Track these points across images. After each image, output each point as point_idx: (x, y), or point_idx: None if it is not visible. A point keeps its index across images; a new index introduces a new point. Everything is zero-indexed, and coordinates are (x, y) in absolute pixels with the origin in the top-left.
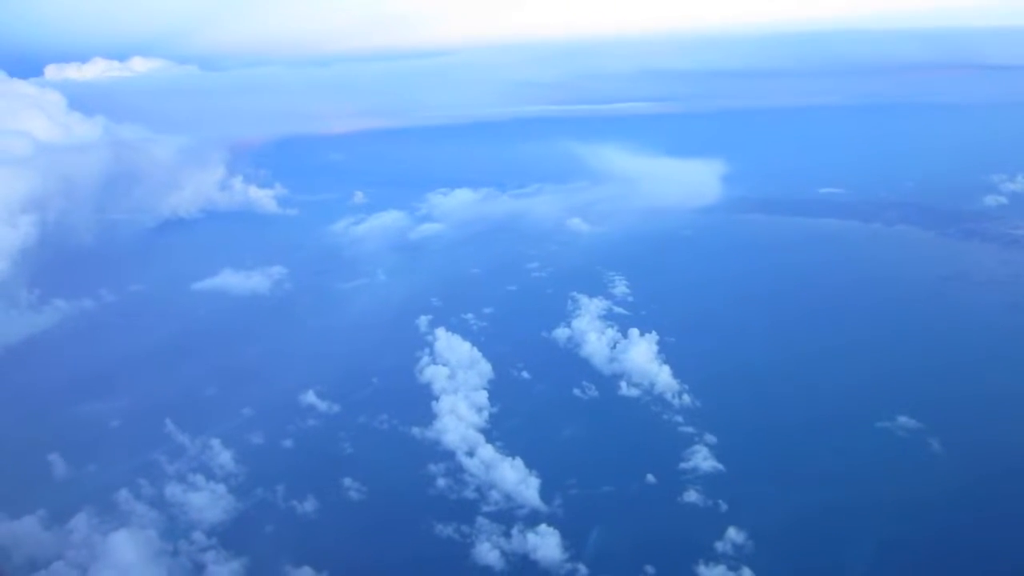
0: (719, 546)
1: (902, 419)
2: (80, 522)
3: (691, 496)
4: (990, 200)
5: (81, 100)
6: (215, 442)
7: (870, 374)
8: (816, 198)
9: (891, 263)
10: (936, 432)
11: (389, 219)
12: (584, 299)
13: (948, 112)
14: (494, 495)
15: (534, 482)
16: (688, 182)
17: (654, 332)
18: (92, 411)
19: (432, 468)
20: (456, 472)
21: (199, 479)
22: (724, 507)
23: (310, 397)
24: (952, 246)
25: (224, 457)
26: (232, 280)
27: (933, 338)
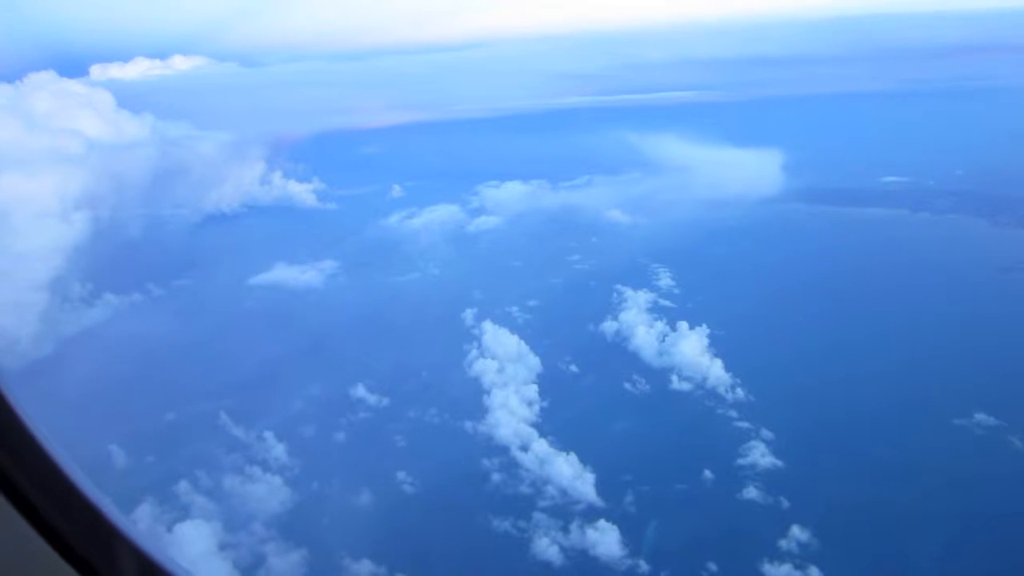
0: (783, 544)
1: (979, 416)
2: (144, 513)
3: (751, 493)
4: None
5: (127, 98)
6: (269, 435)
7: (937, 369)
8: (864, 187)
9: (945, 253)
10: (1017, 430)
11: (444, 213)
12: (629, 292)
13: (997, 96)
14: (550, 490)
15: (590, 477)
16: (732, 172)
17: (704, 325)
18: (147, 403)
19: (486, 463)
20: (510, 467)
21: (256, 471)
22: (786, 504)
23: (360, 391)
24: (1007, 235)
25: (278, 450)
26: (287, 274)
27: (998, 331)
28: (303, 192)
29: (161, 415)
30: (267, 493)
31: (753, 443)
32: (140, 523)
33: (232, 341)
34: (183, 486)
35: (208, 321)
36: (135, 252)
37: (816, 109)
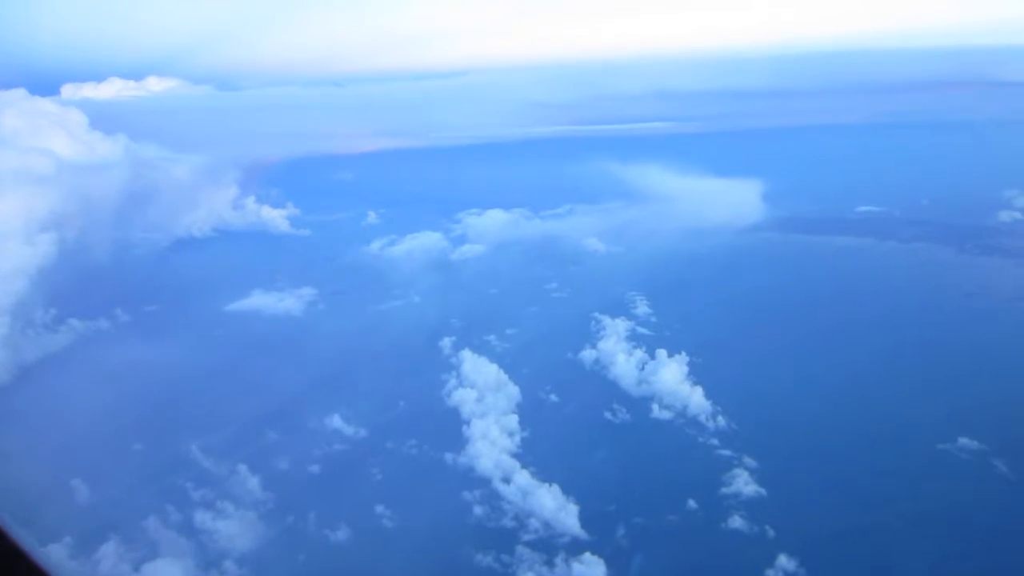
0: (770, 574)
1: (963, 440)
2: (108, 550)
3: (736, 522)
4: (1005, 216)
5: (100, 119)
6: (242, 467)
7: (913, 394)
8: (835, 217)
9: (914, 280)
10: (1001, 454)
11: (427, 240)
12: (607, 320)
13: (958, 129)
14: (533, 523)
15: (573, 509)
16: (708, 202)
17: (683, 353)
18: (112, 434)
19: (467, 495)
20: (492, 499)
21: (228, 506)
22: (772, 533)
23: (336, 421)
24: (972, 262)
25: (251, 483)
26: (264, 301)
27: (971, 356)
28: (277, 217)
29: (128, 447)
30: (240, 529)
31: (736, 471)
32: (104, 562)
33: (203, 369)
34: (151, 522)
35: (179, 348)
36: (103, 276)
37: (787, 141)
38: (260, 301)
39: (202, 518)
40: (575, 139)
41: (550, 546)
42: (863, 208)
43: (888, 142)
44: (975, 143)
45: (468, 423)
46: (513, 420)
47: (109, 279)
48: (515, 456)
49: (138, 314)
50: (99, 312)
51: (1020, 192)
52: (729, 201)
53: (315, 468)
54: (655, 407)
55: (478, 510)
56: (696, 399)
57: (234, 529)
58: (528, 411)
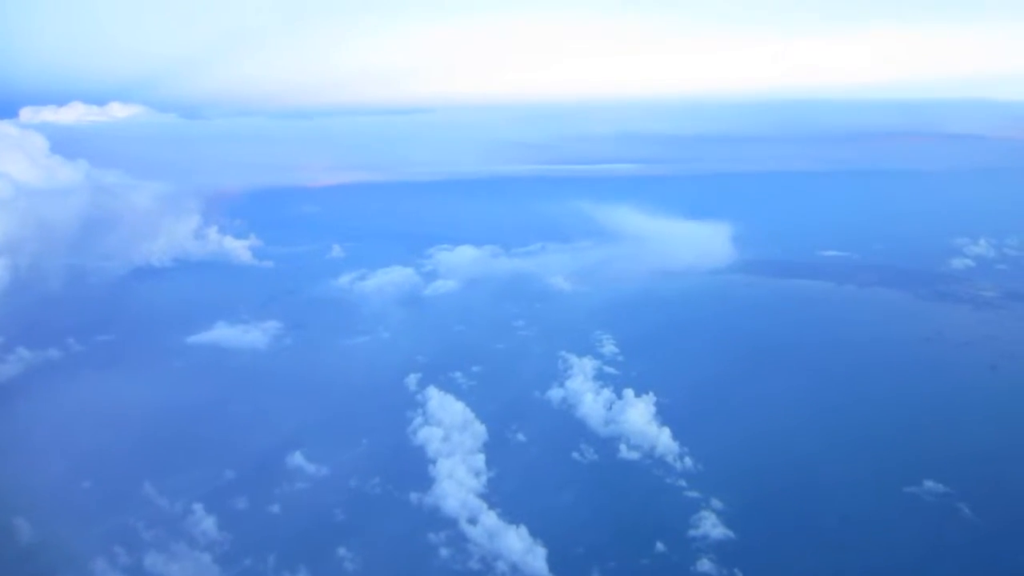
0: None
1: (928, 483)
2: None
3: (704, 565)
4: (957, 263)
5: (60, 143)
6: (197, 507)
7: (880, 436)
8: (797, 260)
9: (873, 324)
10: (965, 497)
11: (398, 275)
12: (574, 358)
13: (911, 178)
14: (500, 566)
15: (541, 552)
16: (673, 243)
17: (650, 393)
18: (60, 470)
19: (432, 537)
20: (458, 541)
21: (181, 547)
22: None
23: (297, 458)
24: (927, 308)
25: (207, 523)
26: (228, 334)
27: (931, 399)
28: (239, 248)
29: (76, 483)
30: (194, 572)
31: (704, 513)
32: None
33: (160, 402)
34: (99, 564)
35: (134, 380)
36: (55, 304)
37: (748, 186)
38: (222, 333)
39: (153, 560)
40: (547, 178)
41: None
42: (828, 253)
43: (847, 189)
44: (927, 191)
45: (434, 462)
46: (480, 459)
47: (62, 307)
48: (482, 496)
49: (91, 344)
50: (50, 341)
51: (970, 240)
52: (695, 243)
53: (275, 508)
54: (623, 447)
55: (444, 552)
56: (664, 440)
57: (188, 572)
58: (495, 450)
